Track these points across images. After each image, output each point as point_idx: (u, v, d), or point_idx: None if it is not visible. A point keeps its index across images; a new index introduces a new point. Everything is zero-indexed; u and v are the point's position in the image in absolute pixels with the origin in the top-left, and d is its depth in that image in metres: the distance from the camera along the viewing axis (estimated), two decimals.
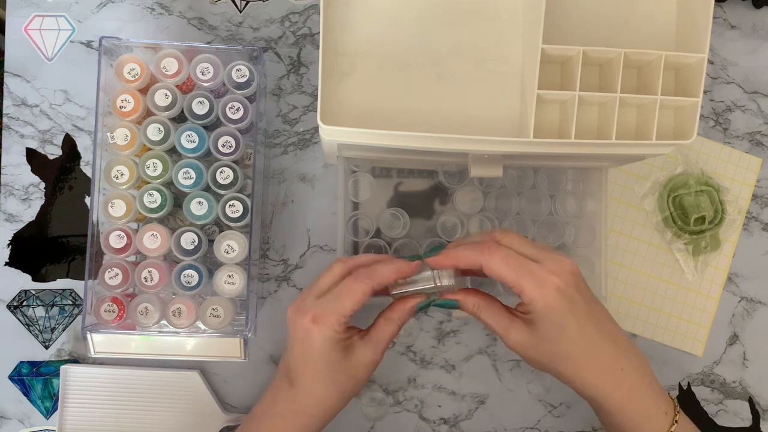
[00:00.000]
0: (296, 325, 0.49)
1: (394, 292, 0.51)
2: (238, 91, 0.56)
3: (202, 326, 0.56)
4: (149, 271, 0.54)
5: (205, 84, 0.56)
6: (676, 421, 0.50)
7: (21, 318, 0.64)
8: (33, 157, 0.65)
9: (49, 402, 0.64)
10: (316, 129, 0.66)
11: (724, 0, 0.70)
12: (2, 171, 0.65)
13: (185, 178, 0.55)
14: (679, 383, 0.68)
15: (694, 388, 0.68)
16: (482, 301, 0.51)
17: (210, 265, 0.57)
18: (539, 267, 0.47)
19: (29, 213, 0.65)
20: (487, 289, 0.54)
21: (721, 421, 0.68)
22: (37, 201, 0.65)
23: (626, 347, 0.51)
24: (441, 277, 0.50)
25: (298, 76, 0.66)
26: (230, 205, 0.56)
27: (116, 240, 0.55)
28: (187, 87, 0.57)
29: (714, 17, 0.49)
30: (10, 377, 0.63)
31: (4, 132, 0.65)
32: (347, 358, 0.50)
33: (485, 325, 0.51)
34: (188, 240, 0.55)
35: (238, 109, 0.56)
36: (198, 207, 0.55)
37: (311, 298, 0.49)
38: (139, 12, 0.66)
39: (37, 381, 0.63)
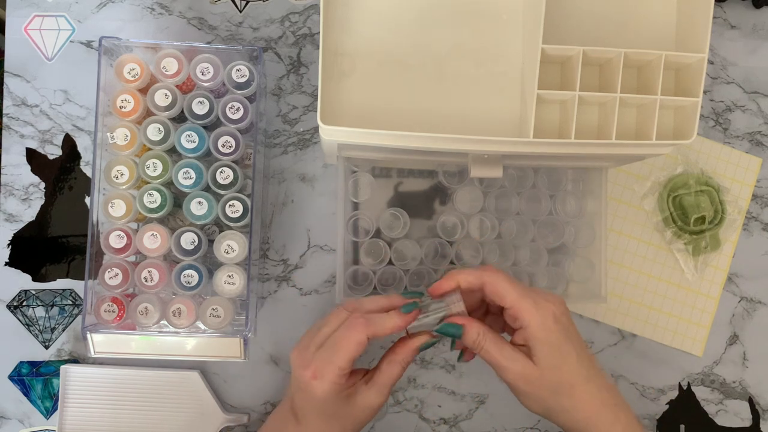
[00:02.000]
0: (298, 376, 0.49)
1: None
2: (238, 91, 0.56)
3: (202, 326, 0.56)
4: (149, 271, 0.54)
5: (205, 84, 0.56)
6: None
7: (21, 318, 0.64)
8: (33, 157, 0.65)
9: (49, 402, 0.64)
10: (316, 129, 0.66)
11: (724, 0, 0.70)
12: (2, 171, 0.65)
13: (185, 178, 0.55)
14: (679, 383, 0.68)
15: (694, 388, 0.68)
16: (487, 330, 0.49)
17: (210, 265, 0.57)
18: (537, 294, 0.48)
19: (29, 213, 0.65)
20: None
21: (721, 421, 0.68)
22: (37, 201, 0.65)
23: (615, 389, 0.51)
24: (451, 304, 0.49)
25: (298, 76, 0.66)
26: (230, 205, 0.56)
27: (116, 240, 0.55)
28: (187, 87, 0.57)
29: (714, 17, 0.49)
30: (10, 377, 0.63)
31: (4, 132, 0.65)
32: (351, 404, 0.50)
33: (485, 359, 0.50)
34: (188, 240, 0.55)
35: (238, 109, 0.56)
36: (198, 207, 0.55)
37: (313, 347, 0.49)
38: (139, 12, 0.66)
39: (37, 381, 0.63)
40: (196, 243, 0.55)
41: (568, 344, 0.48)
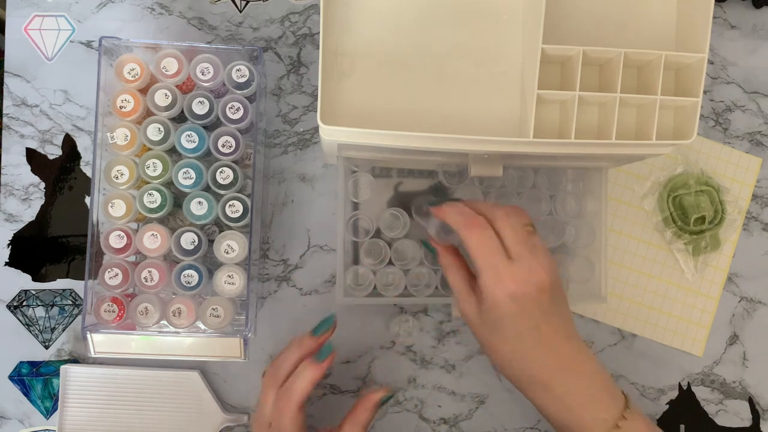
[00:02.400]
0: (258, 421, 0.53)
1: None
2: (238, 91, 0.56)
3: (202, 326, 0.56)
4: (149, 271, 0.54)
5: (205, 84, 0.56)
6: (618, 426, 0.49)
7: (21, 318, 0.64)
8: (33, 157, 0.65)
9: (49, 402, 0.64)
10: (316, 129, 0.66)
11: (724, 0, 0.70)
12: (2, 171, 0.65)
13: (185, 178, 0.55)
14: (679, 383, 0.68)
15: (694, 388, 0.68)
16: (455, 263, 0.52)
17: (210, 265, 0.57)
18: (508, 266, 0.48)
19: (29, 213, 0.65)
20: None
21: (721, 421, 0.68)
22: (37, 201, 0.65)
23: (569, 358, 0.50)
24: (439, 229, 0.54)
25: (298, 76, 0.66)
26: (230, 205, 0.56)
27: (116, 240, 0.55)
28: (187, 87, 0.57)
29: (714, 17, 0.49)
30: (10, 377, 0.63)
31: (4, 132, 0.65)
32: None
33: (449, 285, 0.53)
34: (188, 240, 0.55)
35: (238, 109, 0.56)
36: (198, 207, 0.55)
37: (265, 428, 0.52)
38: (139, 12, 0.66)
39: (37, 381, 0.63)
40: (196, 243, 0.55)
41: (512, 320, 0.48)
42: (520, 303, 0.48)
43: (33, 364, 0.64)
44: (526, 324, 0.48)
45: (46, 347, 0.64)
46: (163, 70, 0.55)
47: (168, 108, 0.55)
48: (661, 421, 0.67)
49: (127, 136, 0.55)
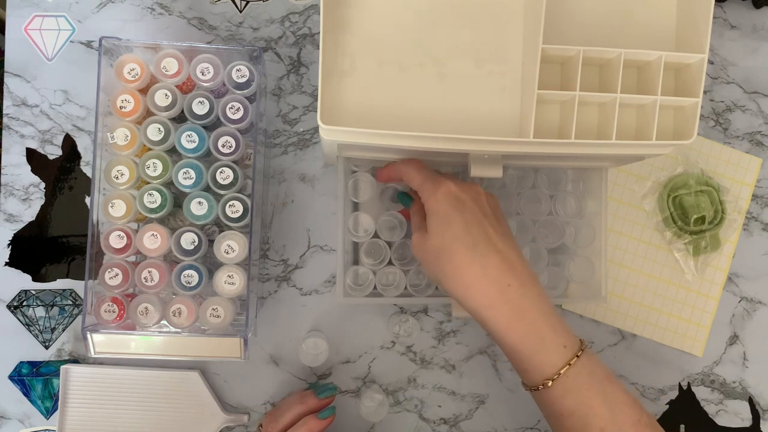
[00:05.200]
0: None
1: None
2: (238, 91, 0.56)
3: (202, 326, 0.56)
4: (149, 271, 0.54)
5: (205, 84, 0.56)
6: (578, 356, 0.49)
7: (21, 318, 0.64)
8: (33, 157, 0.65)
9: (49, 402, 0.64)
10: (316, 129, 0.66)
11: (724, 0, 0.70)
12: (2, 171, 0.65)
13: (185, 178, 0.55)
14: (679, 383, 0.68)
15: (694, 388, 0.68)
16: (420, 209, 0.55)
17: (210, 265, 0.57)
18: (445, 176, 0.52)
19: (29, 213, 0.65)
20: None
21: (721, 421, 0.68)
22: (37, 201, 0.65)
23: (520, 270, 0.50)
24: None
25: (298, 76, 0.66)
26: (230, 205, 0.56)
27: (116, 240, 0.55)
28: (187, 87, 0.57)
29: (714, 17, 0.49)
30: (10, 377, 0.63)
31: (4, 132, 0.65)
32: None
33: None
34: (188, 240, 0.55)
35: (238, 109, 0.56)
36: (198, 207, 0.55)
37: None
38: (139, 12, 0.66)
39: (37, 381, 0.63)
40: (196, 243, 0.55)
41: (456, 214, 0.50)
42: (459, 198, 0.50)
43: (33, 364, 0.64)
44: (471, 217, 0.50)
45: (46, 347, 0.64)
46: (163, 70, 0.55)
47: (168, 108, 0.55)
48: (661, 421, 0.67)
49: (127, 136, 0.55)
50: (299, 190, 0.66)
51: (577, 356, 0.49)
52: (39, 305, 0.64)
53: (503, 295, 0.49)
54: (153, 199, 0.55)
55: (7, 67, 0.65)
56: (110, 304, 0.55)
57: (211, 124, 0.57)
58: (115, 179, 0.55)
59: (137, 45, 0.56)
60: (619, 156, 0.56)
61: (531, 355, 0.49)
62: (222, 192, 0.56)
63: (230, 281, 0.55)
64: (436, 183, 0.51)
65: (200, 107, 0.55)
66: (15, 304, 0.64)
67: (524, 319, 0.49)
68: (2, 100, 0.65)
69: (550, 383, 0.49)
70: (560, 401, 0.49)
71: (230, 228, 0.57)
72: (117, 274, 0.54)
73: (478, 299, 0.49)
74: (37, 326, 0.64)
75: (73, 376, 0.62)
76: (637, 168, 0.68)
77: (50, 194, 0.65)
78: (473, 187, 0.52)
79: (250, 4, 0.67)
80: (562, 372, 0.48)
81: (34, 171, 0.65)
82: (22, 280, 0.64)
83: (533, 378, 0.50)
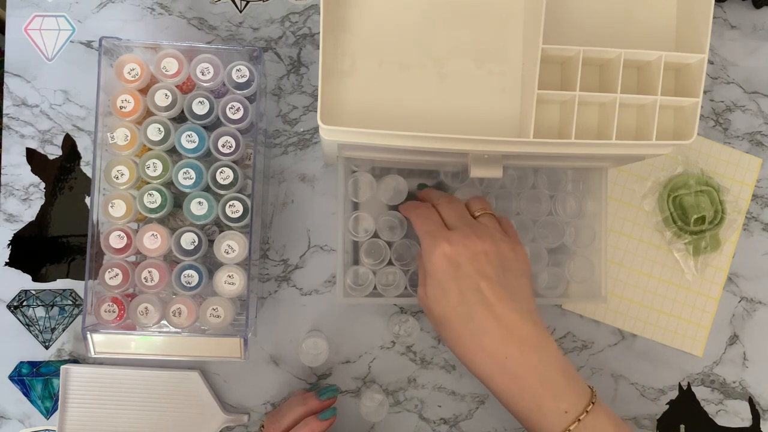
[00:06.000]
0: None
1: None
2: (238, 91, 0.56)
3: (202, 326, 0.56)
4: (149, 271, 0.54)
5: (205, 84, 0.56)
6: (580, 420, 0.47)
7: (21, 318, 0.64)
8: (33, 157, 0.65)
9: (49, 402, 0.64)
10: (316, 129, 0.66)
11: (724, 0, 0.70)
12: (2, 171, 0.65)
13: (185, 178, 0.55)
14: (679, 383, 0.68)
15: (694, 388, 0.68)
16: (420, 254, 0.54)
17: (210, 265, 0.57)
18: (444, 231, 0.51)
19: (29, 213, 0.65)
20: None
21: (721, 421, 0.68)
22: (37, 201, 0.65)
23: (520, 334, 0.48)
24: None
25: (298, 76, 0.66)
26: (230, 205, 0.56)
27: (116, 240, 0.55)
28: (187, 87, 0.57)
29: (714, 17, 0.49)
30: (10, 377, 0.63)
31: (4, 132, 0.65)
32: None
33: None
34: (188, 240, 0.55)
35: (238, 109, 0.56)
36: (198, 207, 0.55)
37: None
38: (139, 12, 0.66)
39: (37, 381, 0.63)
40: (196, 243, 0.55)
41: (452, 282, 0.49)
42: (454, 262, 0.49)
43: (33, 364, 0.64)
44: (466, 284, 0.49)
45: (46, 347, 0.64)
46: (163, 70, 0.55)
47: (168, 108, 0.55)
48: (661, 422, 0.67)
49: (127, 136, 0.55)
50: (299, 190, 0.66)
51: (579, 420, 0.47)
52: (39, 305, 0.64)
53: (501, 367, 0.49)
54: (153, 199, 0.55)
55: (7, 67, 0.65)
56: (110, 304, 0.55)
57: (211, 124, 0.57)
58: (115, 179, 0.55)
59: (137, 45, 0.56)
60: (619, 156, 0.56)
61: (530, 423, 0.49)
62: (222, 192, 0.56)
63: (230, 281, 0.55)
64: (434, 241, 0.50)
65: (200, 107, 0.55)
66: (15, 304, 0.64)
67: (523, 390, 0.48)
68: (2, 100, 0.65)
69: None
70: None
71: (230, 228, 0.57)
72: (117, 274, 0.54)
73: (477, 370, 0.50)
74: (37, 326, 0.64)
75: (73, 376, 0.62)
76: (637, 168, 0.68)
77: (50, 194, 0.65)
78: (472, 243, 0.50)
79: (250, 4, 0.67)
80: None
81: (34, 171, 0.65)
82: (22, 280, 0.64)
83: None
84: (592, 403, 0.48)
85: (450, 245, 0.49)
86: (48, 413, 0.64)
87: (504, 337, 0.48)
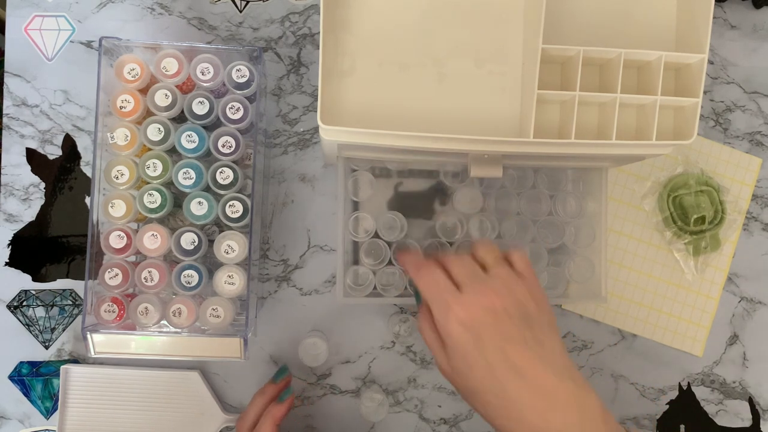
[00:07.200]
0: None
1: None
2: (238, 91, 0.56)
3: (202, 326, 0.56)
4: (149, 271, 0.54)
5: (205, 84, 0.56)
6: None
7: (21, 318, 0.64)
8: (33, 157, 0.65)
9: (49, 402, 0.64)
10: (316, 129, 0.66)
11: (724, 0, 0.70)
12: (2, 171, 0.65)
13: (185, 178, 0.55)
14: (679, 383, 0.68)
15: (694, 388, 0.68)
16: (423, 317, 0.49)
17: (210, 265, 0.57)
18: (456, 296, 0.46)
19: (29, 213, 0.65)
20: None
21: (721, 421, 0.68)
22: (37, 201, 0.65)
23: (565, 400, 0.44)
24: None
25: (298, 76, 0.66)
26: (230, 205, 0.56)
27: (116, 240, 0.55)
28: (187, 87, 0.57)
29: (714, 17, 0.49)
30: (10, 377, 0.63)
31: (4, 132, 0.65)
32: None
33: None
34: (188, 240, 0.55)
35: (238, 109, 0.56)
36: (198, 207, 0.55)
37: None
38: (139, 12, 0.66)
39: (37, 381, 0.63)
40: (196, 243, 0.55)
41: (476, 353, 0.45)
42: (471, 329, 0.45)
43: (33, 364, 0.64)
44: (492, 354, 0.44)
45: (46, 347, 0.64)
46: (163, 70, 0.55)
47: (168, 108, 0.55)
48: (661, 421, 0.67)
49: (127, 136, 0.55)
50: (299, 190, 0.66)
51: None
52: (39, 305, 0.64)
53: (540, 419, 0.44)
54: (153, 199, 0.55)
55: (7, 67, 0.65)
56: (110, 304, 0.55)
57: (211, 124, 0.57)
58: (115, 179, 0.55)
59: (137, 45, 0.56)
60: (619, 156, 0.56)
61: None
62: (222, 192, 0.56)
63: (230, 281, 0.55)
64: (446, 306, 0.45)
65: (200, 107, 0.55)
66: (15, 304, 0.64)
67: None
68: (2, 100, 0.65)
69: None
70: None
71: (230, 228, 0.57)
72: (117, 274, 0.54)
73: (520, 424, 0.45)
74: (37, 326, 0.64)
75: (73, 376, 0.62)
76: (637, 168, 0.68)
77: (50, 194, 0.65)
78: (488, 301, 0.45)
79: (250, 4, 0.67)
80: None
81: (34, 171, 0.65)
82: (22, 280, 0.64)
83: None
84: None
85: (464, 310, 0.45)
86: (48, 413, 0.64)
87: (544, 409, 0.44)
